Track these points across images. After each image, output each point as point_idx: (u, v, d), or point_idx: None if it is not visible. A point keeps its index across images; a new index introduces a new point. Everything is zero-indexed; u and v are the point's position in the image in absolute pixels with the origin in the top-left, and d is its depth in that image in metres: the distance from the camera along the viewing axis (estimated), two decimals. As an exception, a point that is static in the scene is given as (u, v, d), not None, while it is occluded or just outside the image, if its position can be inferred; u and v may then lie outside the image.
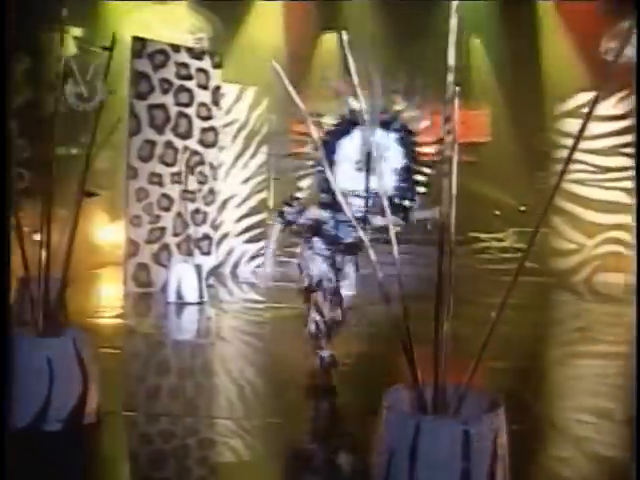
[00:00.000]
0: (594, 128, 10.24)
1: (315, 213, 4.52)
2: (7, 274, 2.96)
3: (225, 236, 10.30)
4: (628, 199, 9.76)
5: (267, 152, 10.50)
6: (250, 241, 10.55)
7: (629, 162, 9.86)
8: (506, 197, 11.73)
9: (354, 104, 4.27)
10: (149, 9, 11.60)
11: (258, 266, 10.71)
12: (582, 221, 10.43)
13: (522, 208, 10.98)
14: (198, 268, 7.59)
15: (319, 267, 4.60)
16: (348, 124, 4.45)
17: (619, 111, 9.99)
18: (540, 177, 10.81)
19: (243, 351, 6.05)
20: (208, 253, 8.75)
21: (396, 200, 4.48)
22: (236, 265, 10.46)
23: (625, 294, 8.92)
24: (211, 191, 8.73)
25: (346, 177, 4.35)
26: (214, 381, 5.07)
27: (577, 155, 10.40)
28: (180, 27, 11.94)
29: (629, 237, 9.76)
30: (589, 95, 10.27)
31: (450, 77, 2.67)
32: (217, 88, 8.73)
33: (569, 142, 10.14)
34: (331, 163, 4.32)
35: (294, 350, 5.44)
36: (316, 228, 4.60)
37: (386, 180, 4.36)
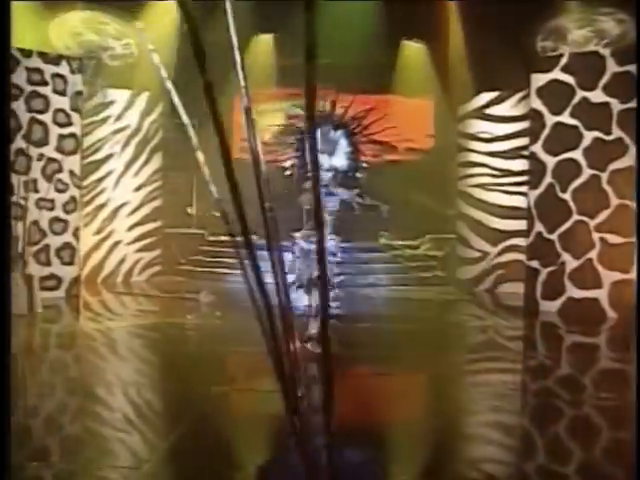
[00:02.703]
0: (495, 129, 9.79)
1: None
2: (7, 272, 2.84)
3: (116, 244, 10.09)
4: (525, 204, 9.21)
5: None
6: (143, 250, 10.31)
7: (527, 165, 9.32)
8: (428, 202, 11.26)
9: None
10: (75, 15, 11.49)
11: (153, 275, 10.51)
12: (485, 227, 9.92)
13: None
14: (28, 278, 7.33)
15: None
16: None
17: (519, 111, 9.49)
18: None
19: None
20: (70, 263, 8.49)
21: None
22: (129, 274, 10.23)
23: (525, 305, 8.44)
24: (72, 199, 8.49)
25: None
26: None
27: (479, 158, 9.95)
28: (105, 33, 11.81)
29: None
30: (490, 95, 9.85)
31: None
32: (78, 94, 8.50)
33: (473, 145, 9.71)
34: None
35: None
36: None
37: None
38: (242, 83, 2.09)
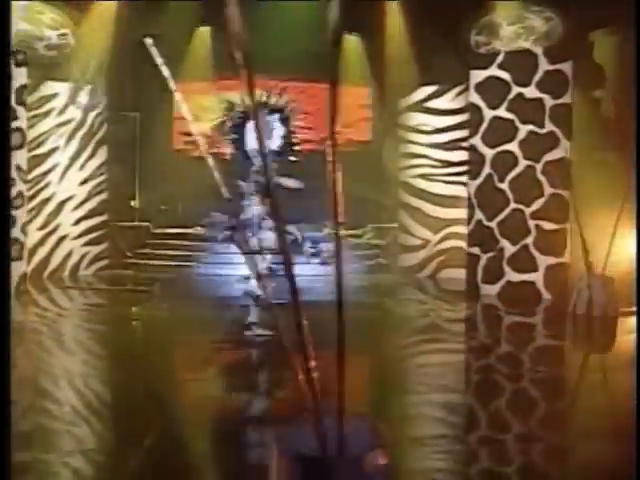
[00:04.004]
0: (435, 122, 10.19)
1: None
2: (7, 272, 2.80)
3: (62, 239, 10.02)
4: (466, 193, 9.62)
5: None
6: (90, 243, 10.27)
7: (467, 156, 9.73)
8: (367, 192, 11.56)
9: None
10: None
11: (101, 269, 10.49)
12: (427, 216, 10.33)
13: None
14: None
15: None
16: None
17: (457, 105, 9.91)
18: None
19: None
20: (19, 258, 8.42)
21: None
22: (76, 268, 10.18)
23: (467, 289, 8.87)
24: (20, 194, 8.42)
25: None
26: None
27: (421, 149, 10.35)
28: (40, 22, 11.53)
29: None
30: (431, 89, 10.24)
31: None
32: (23, 87, 8.41)
33: (414, 137, 10.05)
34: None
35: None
36: None
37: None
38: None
